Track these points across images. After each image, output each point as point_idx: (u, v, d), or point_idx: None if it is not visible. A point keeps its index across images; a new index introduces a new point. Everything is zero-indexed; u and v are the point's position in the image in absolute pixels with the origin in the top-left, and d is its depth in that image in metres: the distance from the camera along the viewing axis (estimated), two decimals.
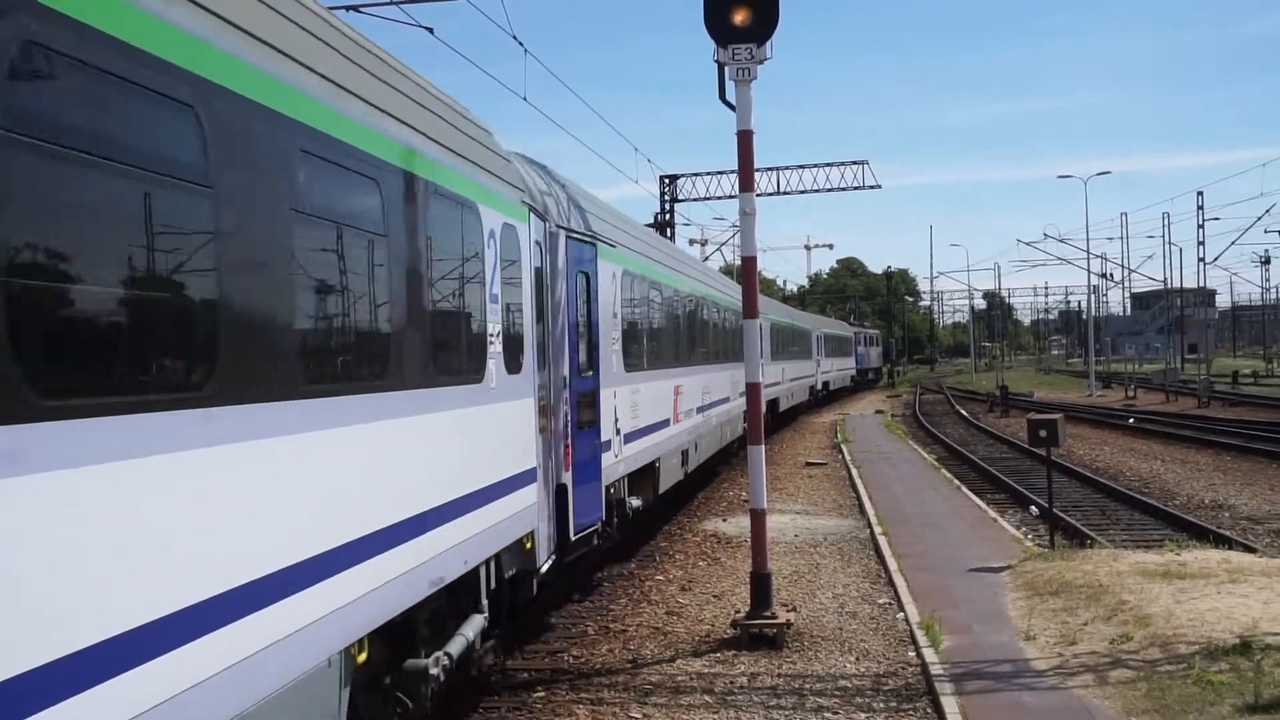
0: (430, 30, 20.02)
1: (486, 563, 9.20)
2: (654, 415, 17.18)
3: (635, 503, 15.84)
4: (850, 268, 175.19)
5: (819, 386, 57.58)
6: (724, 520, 20.99)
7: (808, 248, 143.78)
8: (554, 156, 13.06)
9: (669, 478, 18.56)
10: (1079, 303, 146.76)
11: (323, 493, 6.14)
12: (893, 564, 15.63)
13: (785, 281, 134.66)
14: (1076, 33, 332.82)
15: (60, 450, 4.06)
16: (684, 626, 12.95)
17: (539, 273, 11.22)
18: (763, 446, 12.92)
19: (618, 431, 14.46)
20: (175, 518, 4.75)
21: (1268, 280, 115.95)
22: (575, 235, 12.70)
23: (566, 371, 12.04)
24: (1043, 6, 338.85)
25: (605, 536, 14.02)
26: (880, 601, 13.86)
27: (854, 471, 27.54)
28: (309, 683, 5.83)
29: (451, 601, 8.58)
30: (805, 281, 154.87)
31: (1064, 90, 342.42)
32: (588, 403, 12.92)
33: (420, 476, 7.65)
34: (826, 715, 9.66)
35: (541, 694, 10.52)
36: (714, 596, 14.45)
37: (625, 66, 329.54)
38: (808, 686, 10.50)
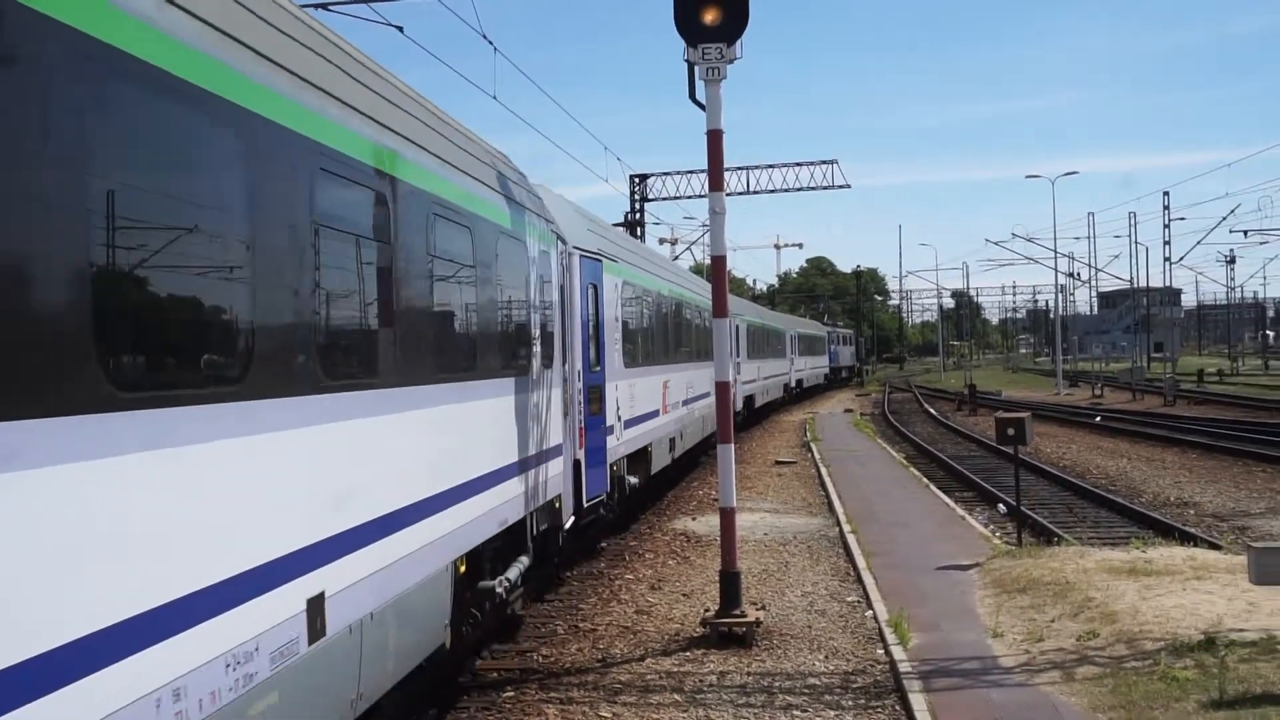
0: (400, 29, 19.96)
1: (531, 515, 11.80)
2: (647, 406, 19.71)
3: (633, 480, 18.26)
4: (820, 267, 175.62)
5: (793, 384, 60.10)
6: (694, 519, 21.00)
7: (777, 247, 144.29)
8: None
9: (659, 460, 21.33)
10: (1046, 302, 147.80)
11: (438, 450, 8.76)
12: (862, 562, 15.68)
13: (755, 281, 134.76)
14: (1045, 34, 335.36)
15: (339, 409, 6.76)
16: (654, 625, 12.95)
17: (562, 287, 13.76)
18: (732, 445, 12.93)
19: (619, 419, 16.88)
20: (373, 467, 7.38)
21: (1232, 279, 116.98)
22: (586, 254, 15.15)
23: (580, 367, 14.41)
24: (1011, 8, 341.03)
25: (608, 507, 16.22)
26: (849, 599, 13.90)
27: (823, 470, 27.63)
28: (433, 581, 8.55)
29: (508, 541, 11.13)
30: (775, 281, 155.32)
31: (1032, 92, 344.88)
32: (596, 394, 15.24)
33: (494, 443, 10.40)
34: (795, 713, 9.68)
35: (511, 694, 10.49)
36: (684, 595, 14.46)
37: (595, 65, 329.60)
38: (777, 684, 10.52)
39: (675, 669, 11.11)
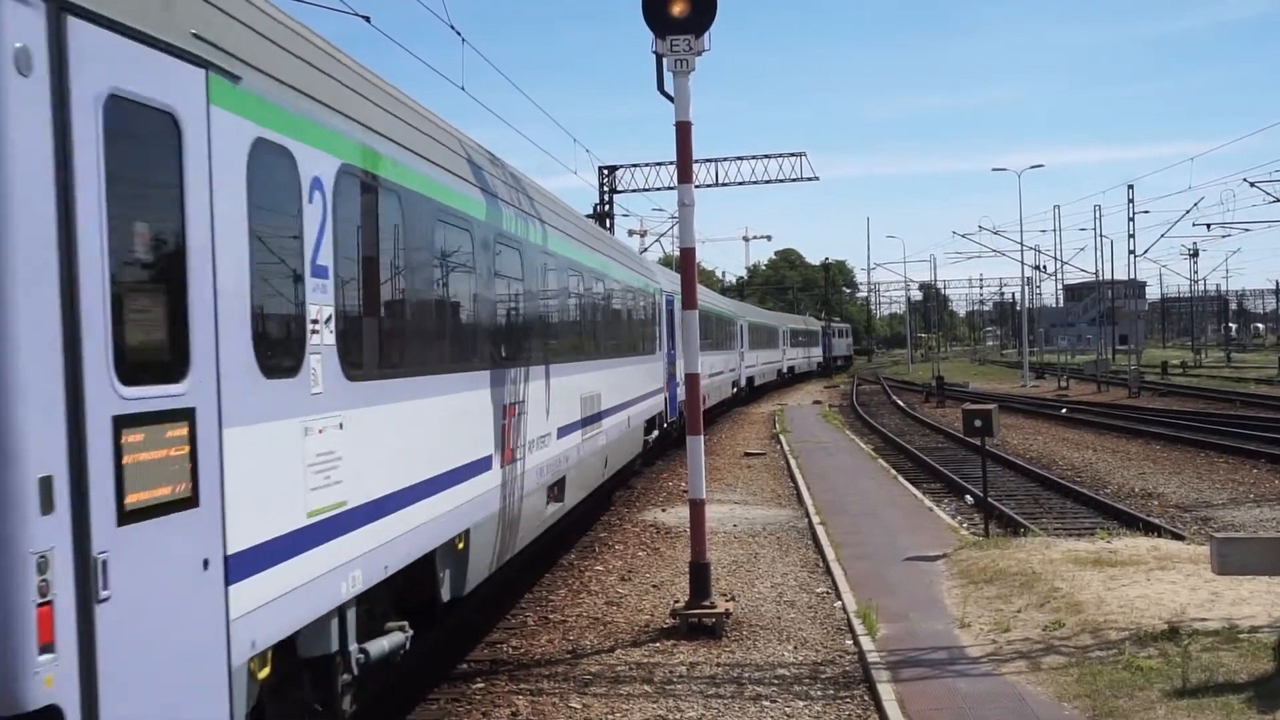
0: (367, 19, 19.79)
1: (651, 418, 23.31)
2: (712, 368, 37.11)
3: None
4: (788, 259, 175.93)
5: (785, 370, 73.79)
6: (663, 510, 21.04)
7: (746, 239, 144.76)
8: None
9: (718, 394, 40.33)
10: (1013, 294, 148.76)
11: (614, 384, 18.25)
12: (830, 553, 15.76)
13: (724, 273, 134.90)
14: (1011, 26, 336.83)
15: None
16: (623, 616, 12.98)
17: (669, 313, 26.26)
18: (701, 437, 12.97)
19: (676, 381, 26.28)
20: (607, 390, 17.05)
21: (1196, 272, 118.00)
22: (670, 295, 26.47)
23: (668, 351, 26.05)
24: (977, 1, 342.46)
25: (674, 425, 26.82)
26: (818, 590, 13.97)
27: (792, 462, 27.73)
28: (634, 431, 20.72)
29: (645, 428, 22.52)
30: (744, 273, 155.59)
31: (998, 84, 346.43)
32: (671, 368, 26.23)
33: (639, 383, 21.35)
34: (765, 703, 9.72)
35: (481, 685, 10.49)
36: (653, 586, 14.50)
37: (564, 57, 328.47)
38: (746, 675, 10.56)
39: (645, 660, 11.15)
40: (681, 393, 24.80)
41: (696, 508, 12.66)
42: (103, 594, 4.72)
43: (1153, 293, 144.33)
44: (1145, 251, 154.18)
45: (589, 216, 47.79)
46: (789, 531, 18.34)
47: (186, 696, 5.32)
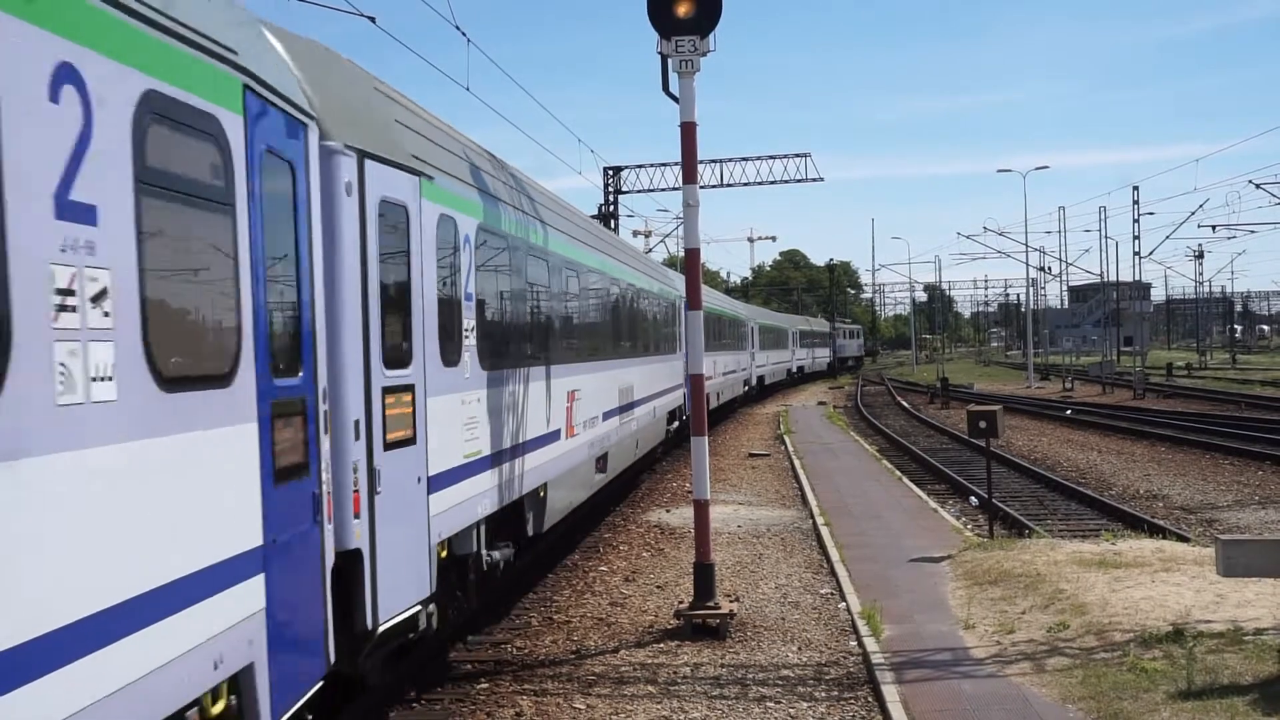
0: (373, 20, 19.82)
1: (673, 410, 26.33)
2: (725, 367, 41.45)
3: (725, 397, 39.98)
4: (793, 260, 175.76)
5: (794, 369, 78.44)
6: (668, 511, 21.04)
7: (751, 240, 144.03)
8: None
9: (731, 391, 44.16)
10: (1018, 295, 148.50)
11: (644, 379, 21.56)
12: (835, 554, 15.75)
13: (729, 273, 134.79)
14: (1018, 28, 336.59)
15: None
16: (628, 617, 12.98)
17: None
18: (706, 438, 12.96)
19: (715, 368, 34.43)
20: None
21: (1201, 274, 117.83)
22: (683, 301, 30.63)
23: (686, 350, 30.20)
24: (985, 2, 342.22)
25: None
26: (822, 591, 13.97)
27: (796, 463, 27.71)
28: (658, 421, 23.95)
29: (667, 418, 26.08)
30: (749, 273, 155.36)
31: (1004, 85, 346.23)
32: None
33: (663, 379, 24.49)
34: (769, 705, 9.72)
35: (485, 685, 10.50)
36: (657, 587, 14.49)
37: (569, 58, 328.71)
38: (750, 676, 10.56)
39: (649, 661, 11.14)
40: (718, 378, 37.11)
41: (701, 508, 12.65)
42: (379, 489, 8.02)
43: (1158, 294, 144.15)
44: (1150, 253, 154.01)
45: (594, 217, 48.07)
46: (793, 532, 18.33)
47: (411, 558, 8.68)
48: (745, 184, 55.62)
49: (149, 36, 5.15)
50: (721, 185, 55.46)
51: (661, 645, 11.69)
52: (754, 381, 54.33)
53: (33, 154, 4.32)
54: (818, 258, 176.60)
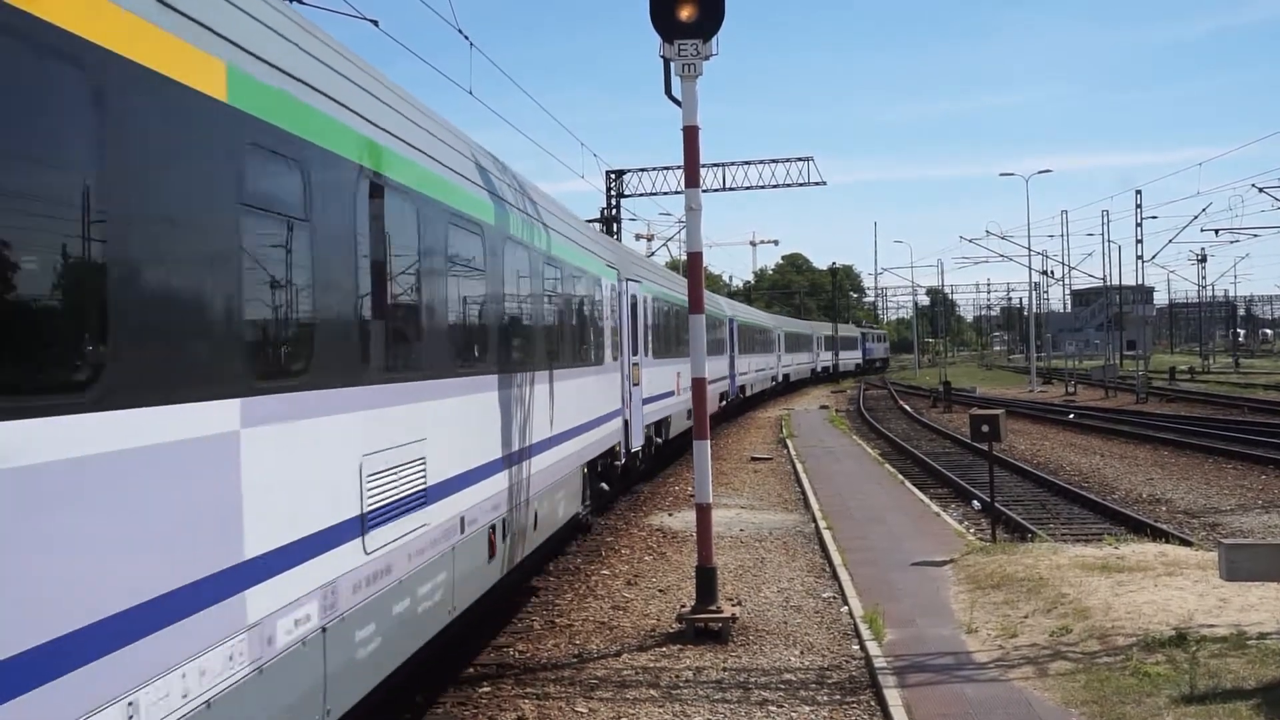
0: (375, 23, 19.84)
1: (723, 392, 40.63)
2: (756, 366, 53.79)
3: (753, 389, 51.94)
4: (795, 264, 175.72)
5: (818, 369, 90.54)
6: (670, 515, 21.04)
7: (753, 243, 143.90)
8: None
9: (761, 385, 56.58)
10: (1020, 299, 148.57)
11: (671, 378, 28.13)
12: (837, 558, 15.74)
13: (731, 277, 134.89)
14: (1021, 32, 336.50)
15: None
16: (630, 621, 12.97)
17: (731, 329, 43.39)
18: (708, 441, 12.95)
19: (736, 368, 44.60)
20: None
21: (1204, 278, 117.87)
22: (731, 317, 43.52)
23: (730, 352, 43.00)
24: (987, 5, 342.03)
25: (732, 401, 43.70)
26: (825, 595, 13.95)
27: (799, 466, 27.70)
28: (683, 405, 28.21)
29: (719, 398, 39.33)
30: (751, 277, 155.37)
31: (1007, 89, 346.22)
32: (730, 357, 43.02)
33: (718, 367, 38.61)
34: (771, 709, 9.71)
35: (487, 689, 10.49)
36: (660, 591, 14.49)
37: (572, 61, 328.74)
38: (752, 680, 10.55)
39: (651, 664, 11.14)
40: (746, 369, 47.51)
41: (703, 512, 12.65)
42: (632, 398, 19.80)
43: (1161, 298, 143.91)
44: (1153, 257, 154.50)
45: (595, 221, 48.29)
46: (795, 536, 18.32)
47: (632, 434, 20.21)
48: (747, 187, 55.61)
49: (611, 269, 18.64)
50: (724, 189, 55.43)
51: (664, 649, 11.68)
52: (780, 378, 66.40)
53: (616, 321, 18.60)
54: (820, 261, 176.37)
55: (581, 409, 15.70)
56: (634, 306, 21.28)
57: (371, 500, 7.43)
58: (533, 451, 12.37)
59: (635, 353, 21.03)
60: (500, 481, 10.92)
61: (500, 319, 11.23)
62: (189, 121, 5.39)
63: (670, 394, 26.02)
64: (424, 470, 8.52)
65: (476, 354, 10.37)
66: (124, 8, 4.87)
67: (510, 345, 11.63)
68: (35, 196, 4.39)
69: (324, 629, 6.63)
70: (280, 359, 6.45)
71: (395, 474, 7.90)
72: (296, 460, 6.44)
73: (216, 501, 5.57)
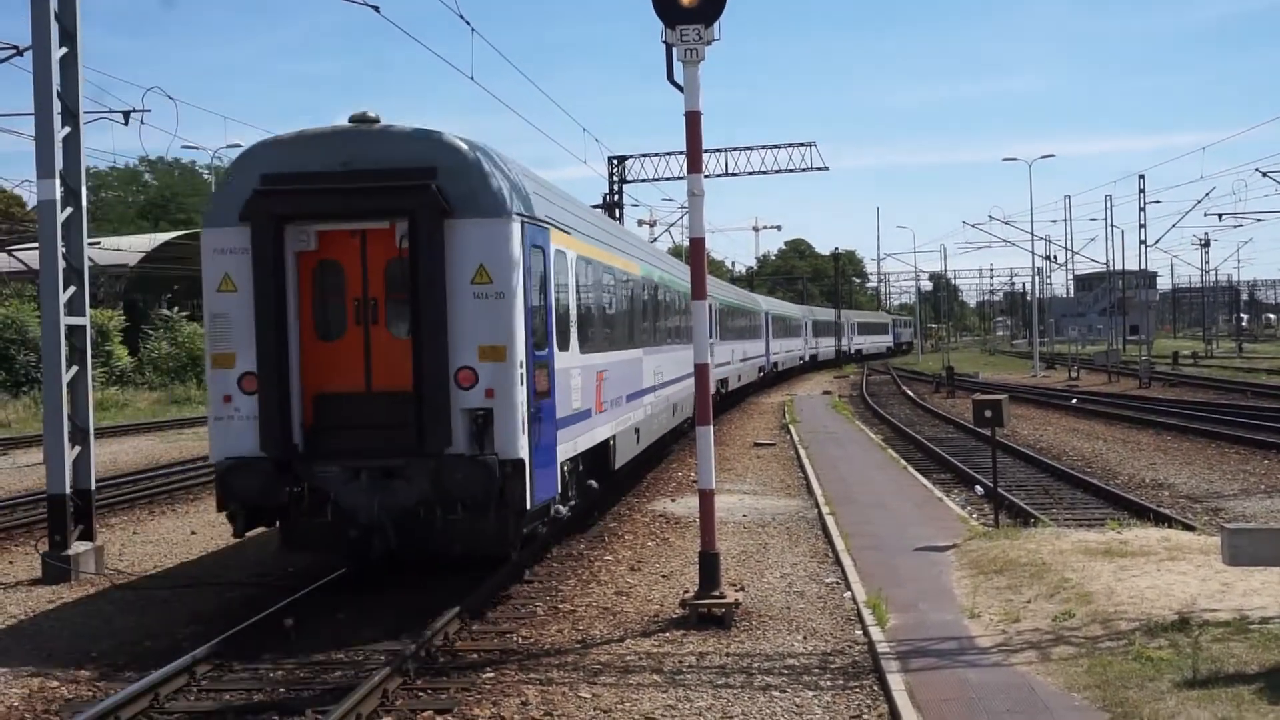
0: (376, 9, 19.84)
1: (761, 365, 53.95)
2: (786, 348, 66.64)
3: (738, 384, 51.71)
4: (798, 249, 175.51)
5: (846, 350, 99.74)
6: (673, 500, 21.05)
7: (756, 229, 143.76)
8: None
9: (789, 362, 68.76)
10: (1023, 284, 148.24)
11: (746, 348, 47.64)
12: (840, 544, 15.76)
13: (733, 263, 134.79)
14: (1023, 16, 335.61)
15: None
16: (633, 606, 12.99)
17: (767, 319, 56.40)
18: (710, 427, 12.95)
19: (771, 349, 58.05)
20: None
21: (1207, 263, 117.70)
22: (768, 311, 57.37)
23: (766, 338, 55.23)
24: None
25: (769, 373, 57.22)
26: (828, 581, 13.97)
27: (802, 452, 27.71)
28: (749, 372, 49.15)
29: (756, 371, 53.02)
30: (753, 263, 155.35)
31: (1010, 74, 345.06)
32: (766, 344, 55.21)
33: (755, 348, 51.59)
34: (774, 694, 9.73)
35: (490, 674, 10.51)
36: (663, 576, 14.51)
37: (574, 47, 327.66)
38: (755, 665, 10.57)
39: (655, 650, 11.16)
40: (778, 349, 58.66)
41: (706, 497, 12.66)
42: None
43: (1164, 283, 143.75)
44: (1156, 242, 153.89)
45: (598, 207, 48.63)
46: (798, 522, 18.34)
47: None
48: (750, 173, 55.73)
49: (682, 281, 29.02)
50: (726, 174, 55.53)
51: (667, 634, 11.70)
52: (808, 358, 77.83)
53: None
54: (823, 247, 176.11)
55: (679, 370, 25.90)
56: (711, 309, 30.52)
57: (655, 379, 22.37)
58: (676, 382, 25.28)
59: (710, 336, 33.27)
60: (677, 387, 25.35)
61: (662, 322, 23.89)
62: (638, 285, 21.41)
63: (728, 363, 40.62)
64: (662, 377, 23.23)
65: (667, 338, 24.88)
66: (627, 255, 20.52)
67: (672, 331, 25.82)
68: (637, 314, 20.62)
69: (649, 413, 21.67)
70: (645, 336, 21.76)
71: (659, 374, 22.67)
72: (646, 367, 21.43)
73: (636, 374, 20.45)
